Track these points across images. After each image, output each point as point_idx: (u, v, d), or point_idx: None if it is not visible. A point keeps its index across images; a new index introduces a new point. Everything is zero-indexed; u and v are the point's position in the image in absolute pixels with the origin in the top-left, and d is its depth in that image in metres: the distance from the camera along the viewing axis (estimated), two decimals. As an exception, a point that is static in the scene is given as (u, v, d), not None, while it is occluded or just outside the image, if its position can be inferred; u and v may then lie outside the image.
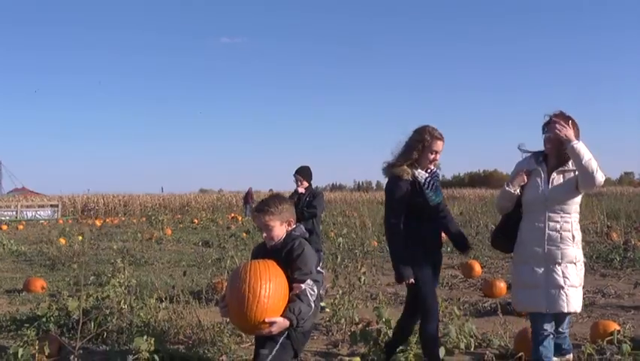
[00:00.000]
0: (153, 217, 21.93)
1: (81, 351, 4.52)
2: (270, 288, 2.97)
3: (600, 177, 3.54)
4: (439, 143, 3.97)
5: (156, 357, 3.98)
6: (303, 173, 6.71)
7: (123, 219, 32.61)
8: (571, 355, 4.06)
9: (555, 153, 3.75)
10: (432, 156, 3.97)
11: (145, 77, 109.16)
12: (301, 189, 6.62)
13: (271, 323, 2.98)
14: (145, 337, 3.96)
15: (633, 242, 10.65)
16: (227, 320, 4.21)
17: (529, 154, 3.93)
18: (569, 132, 3.56)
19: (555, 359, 3.85)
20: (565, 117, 3.70)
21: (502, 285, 7.31)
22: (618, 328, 4.96)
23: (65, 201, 41.83)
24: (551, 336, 3.79)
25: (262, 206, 3.29)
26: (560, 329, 3.90)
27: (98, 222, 27.71)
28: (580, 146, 3.53)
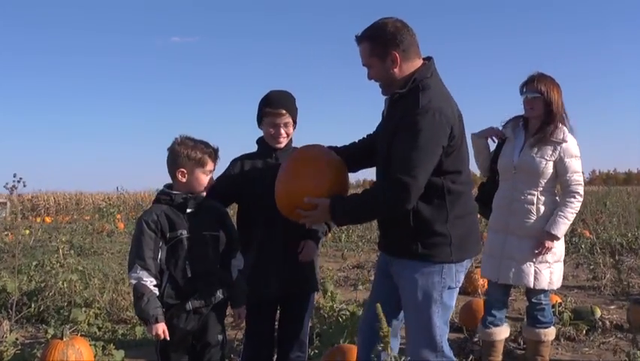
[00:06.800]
0: (106, 210, 21.41)
1: (19, 329, 4.36)
2: None
3: (578, 202, 3.47)
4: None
5: (96, 329, 3.87)
6: (292, 108, 2.99)
7: (75, 217, 31.74)
8: (551, 328, 3.69)
9: (536, 115, 3.47)
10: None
11: (99, 76, 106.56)
12: (283, 143, 2.99)
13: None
14: (84, 309, 3.84)
15: (579, 230, 10.88)
16: None
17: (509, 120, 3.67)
18: (549, 245, 3.43)
19: (504, 327, 3.67)
20: (545, 77, 3.47)
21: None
22: (560, 300, 5.09)
23: (13, 200, 40.36)
24: (503, 305, 3.67)
25: None
26: (534, 300, 3.61)
27: (48, 219, 26.88)
28: (560, 232, 3.43)
